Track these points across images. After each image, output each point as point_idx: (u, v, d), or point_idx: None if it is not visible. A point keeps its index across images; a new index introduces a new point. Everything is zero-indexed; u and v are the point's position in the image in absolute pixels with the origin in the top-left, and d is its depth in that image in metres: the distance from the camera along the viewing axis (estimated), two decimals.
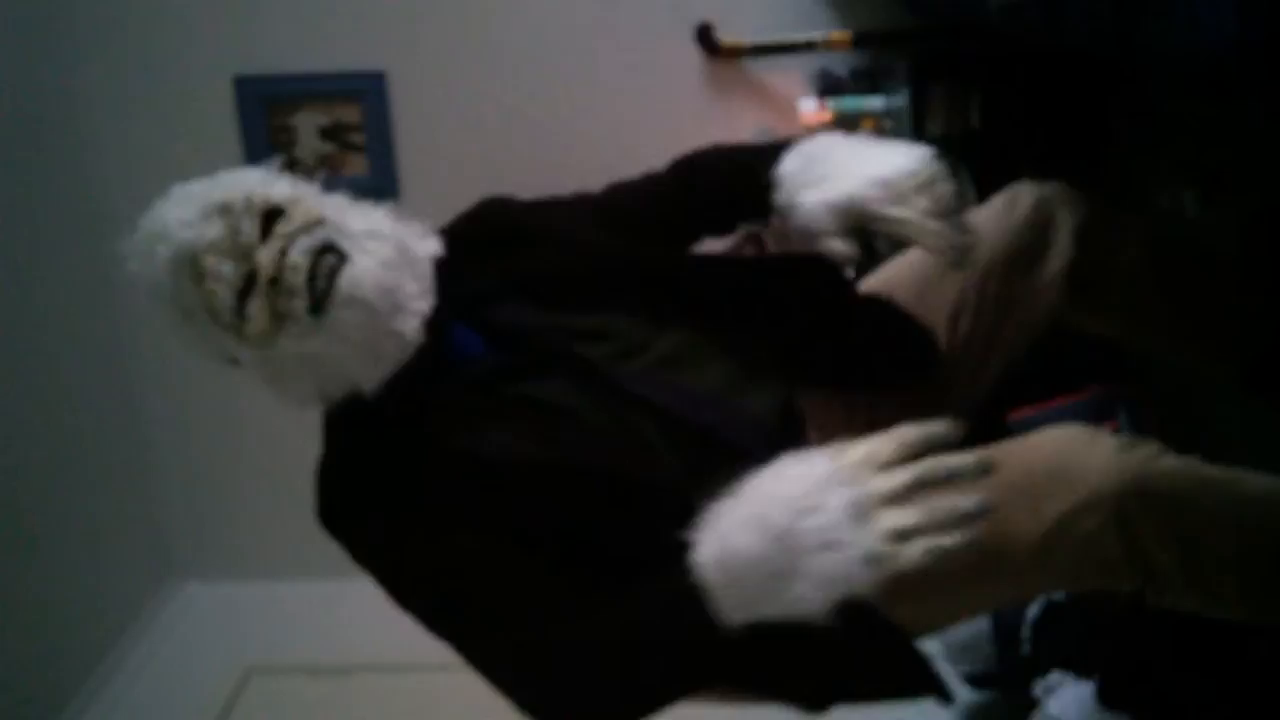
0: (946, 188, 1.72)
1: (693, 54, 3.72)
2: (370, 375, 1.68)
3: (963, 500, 1.34)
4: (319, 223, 1.67)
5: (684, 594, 1.42)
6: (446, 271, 1.80)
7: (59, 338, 3.63)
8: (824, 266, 1.93)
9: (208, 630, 4.09)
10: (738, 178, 1.94)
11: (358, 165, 3.86)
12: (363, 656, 3.71)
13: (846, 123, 3.48)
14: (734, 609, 1.40)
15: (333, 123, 3.83)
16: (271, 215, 1.67)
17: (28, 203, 3.57)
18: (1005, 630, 2.93)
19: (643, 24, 3.74)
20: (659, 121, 3.81)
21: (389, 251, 1.69)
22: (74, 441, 3.72)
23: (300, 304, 1.60)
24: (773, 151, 1.85)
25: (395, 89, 3.82)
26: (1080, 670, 2.79)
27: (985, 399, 2.13)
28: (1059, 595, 2.76)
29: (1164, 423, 2.88)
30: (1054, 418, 2.95)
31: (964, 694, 3.22)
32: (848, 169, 1.73)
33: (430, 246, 1.83)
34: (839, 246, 1.72)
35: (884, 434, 1.41)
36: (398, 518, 1.67)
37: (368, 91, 3.80)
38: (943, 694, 1.62)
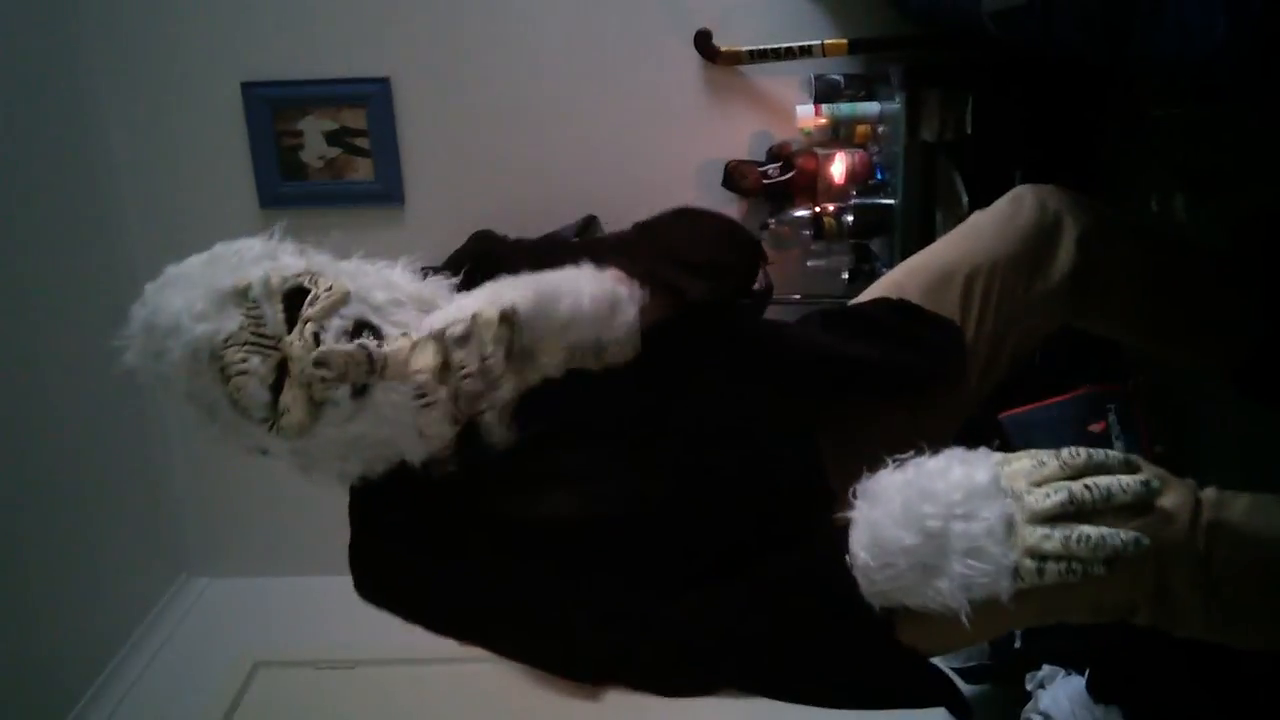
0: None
1: (691, 60, 3.75)
2: (416, 450, 1.56)
3: (1110, 535, 1.38)
4: (345, 300, 1.54)
5: (834, 570, 1.47)
6: None
7: (69, 342, 3.64)
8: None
9: (216, 625, 4.12)
10: None
11: (363, 170, 3.90)
12: (368, 651, 3.72)
13: (842, 127, 3.53)
14: (875, 593, 1.45)
15: (338, 127, 3.86)
16: (293, 296, 1.54)
17: (36, 206, 3.60)
18: None
19: (642, 31, 3.77)
20: (658, 126, 3.84)
21: (417, 321, 1.56)
22: (84, 439, 3.75)
23: (343, 390, 1.49)
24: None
25: (400, 94, 3.85)
26: (1071, 664, 2.81)
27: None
28: None
29: (1152, 422, 2.91)
30: (1044, 417, 2.97)
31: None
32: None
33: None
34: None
35: (1050, 451, 1.46)
36: (448, 576, 1.63)
37: (373, 96, 3.83)
38: (963, 709, 1.62)
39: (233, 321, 1.51)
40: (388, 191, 3.91)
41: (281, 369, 1.50)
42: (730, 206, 3.86)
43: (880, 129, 3.47)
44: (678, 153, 3.86)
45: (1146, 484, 1.43)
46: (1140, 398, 2.92)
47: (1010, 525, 1.39)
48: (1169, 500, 1.51)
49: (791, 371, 1.86)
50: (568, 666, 1.74)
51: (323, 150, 3.89)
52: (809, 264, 3.63)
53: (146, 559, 4.20)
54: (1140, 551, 1.39)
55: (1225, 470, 2.72)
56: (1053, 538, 1.38)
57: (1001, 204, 2.08)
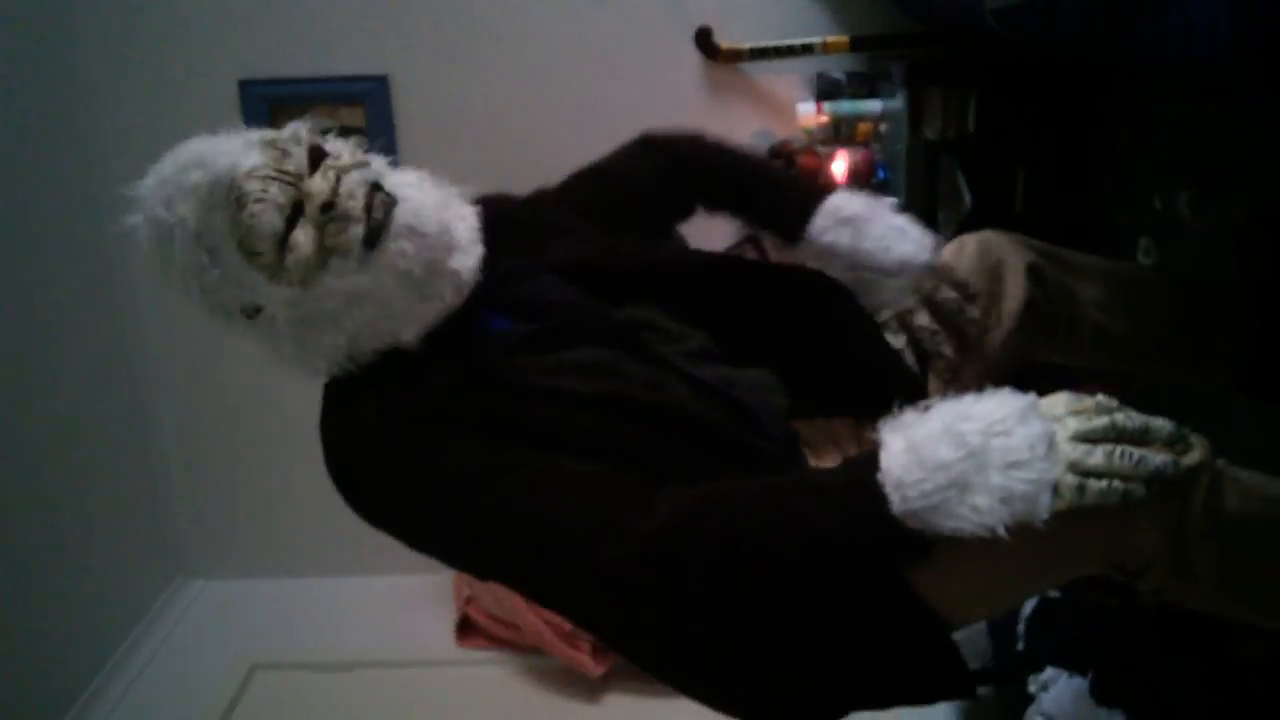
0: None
1: (692, 58, 3.74)
2: (414, 320, 1.56)
3: (1151, 455, 1.39)
4: (366, 163, 1.56)
5: (863, 487, 1.43)
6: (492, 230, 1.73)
7: (68, 341, 3.65)
8: (833, 286, 1.99)
9: (214, 627, 4.12)
10: (761, 201, 2.09)
11: None
12: (366, 652, 3.73)
13: (844, 125, 3.52)
14: (910, 509, 1.40)
15: (337, 126, 3.78)
16: (317, 152, 1.55)
17: (33, 206, 3.59)
18: (1000, 626, 2.94)
19: (643, 28, 3.76)
20: (659, 124, 3.78)
21: (436, 195, 1.63)
22: (82, 441, 3.74)
23: (355, 233, 1.48)
24: (795, 188, 2.07)
25: (398, 92, 3.84)
26: (1074, 666, 2.80)
27: None
28: (1053, 592, 2.77)
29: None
30: None
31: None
32: (901, 234, 1.93)
33: (469, 208, 1.72)
34: (898, 294, 1.91)
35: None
36: (474, 453, 1.51)
37: (371, 94, 3.82)
38: (970, 693, 1.60)
39: (259, 157, 1.52)
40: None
41: (297, 210, 1.49)
42: None
43: (882, 127, 3.45)
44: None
45: (1179, 426, 1.46)
46: (1142, 396, 2.90)
47: (1052, 442, 1.38)
48: (1192, 456, 1.49)
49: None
50: (594, 555, 1.48)
51: None
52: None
53: (143, 561, 4.19)
54: (1179, 474, 1.41)
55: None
56: (1095, 453, 1.38)
57: (945, 251, 2.06)
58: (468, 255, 1.62)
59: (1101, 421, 1.41)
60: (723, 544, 1.45)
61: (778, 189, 2.09)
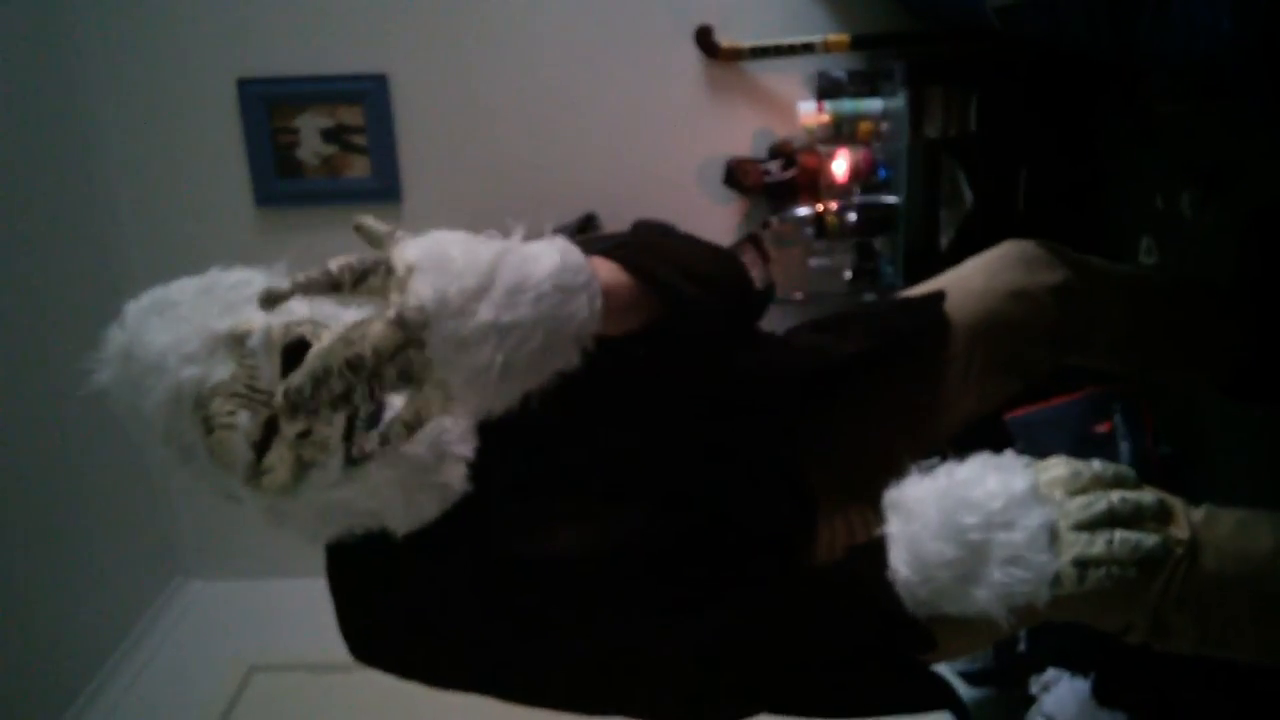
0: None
1: (692, 56, 3.73)
2: (404, 523, 1.47)
3: (1145, 538, 1.41)
4: None
5: (876, 588, 1.46)
6: None
7: (65, 341, 3.61)
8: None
9: (211, 627, 4.10)
10: None
11: (360, 167, 3.87)
12: None
13: (845, 124, 3.51)
14: (918, 604, 1.44)
15: (335, 125, 3.84)
16: (293, 350, 1.40)
17: (33, 204, 3.58)
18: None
19: (643, 27, 3.75)
20: (659, 123, 3.82)
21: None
22: (79, 442, 3.72)
23: (334, 460, 1.39)
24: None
25: (397, 91, 3.83)
26: (1076, 668, 2.80)
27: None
28: None
29: (1157, 423, 2.89)
30: (1049, 417, 2.96)
31: (961, 691, 3.24)
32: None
33: None
34: None
35: (1080, 461, 1.48)
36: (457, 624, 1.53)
37: (370, 93, 3.81)
38: (963, 713, 1.63)
39: (224, 369, 1.40)
40: (385, 189, 3.89)
41: (269, 426, 1.39)
42: (731, 204, 3.86)
43: (883, 126, 3.45)
44: (678, 150, 3.84)
45: (1162, 500, 1.48)
46: (1145, 398, 2.91)
47: (1053, 533, 1.39)
48: (1179, 531, 1.51)
49: (774, 389, 1.83)
50: (586, 703, 1.58)
51: (319, 147, 3.86)
52: (811, 263, 3.62)
53: (141, 561, 4.18)
54: (1164, 554, 1.43)
55: (1230, 470, 2.72)
56: (1096, 543, 1.39)
57: (989, 258, 2.04)
58: (456, 463, 1.48)
59: (1101, 508, 1.41)
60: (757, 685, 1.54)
61: None
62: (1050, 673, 2.86)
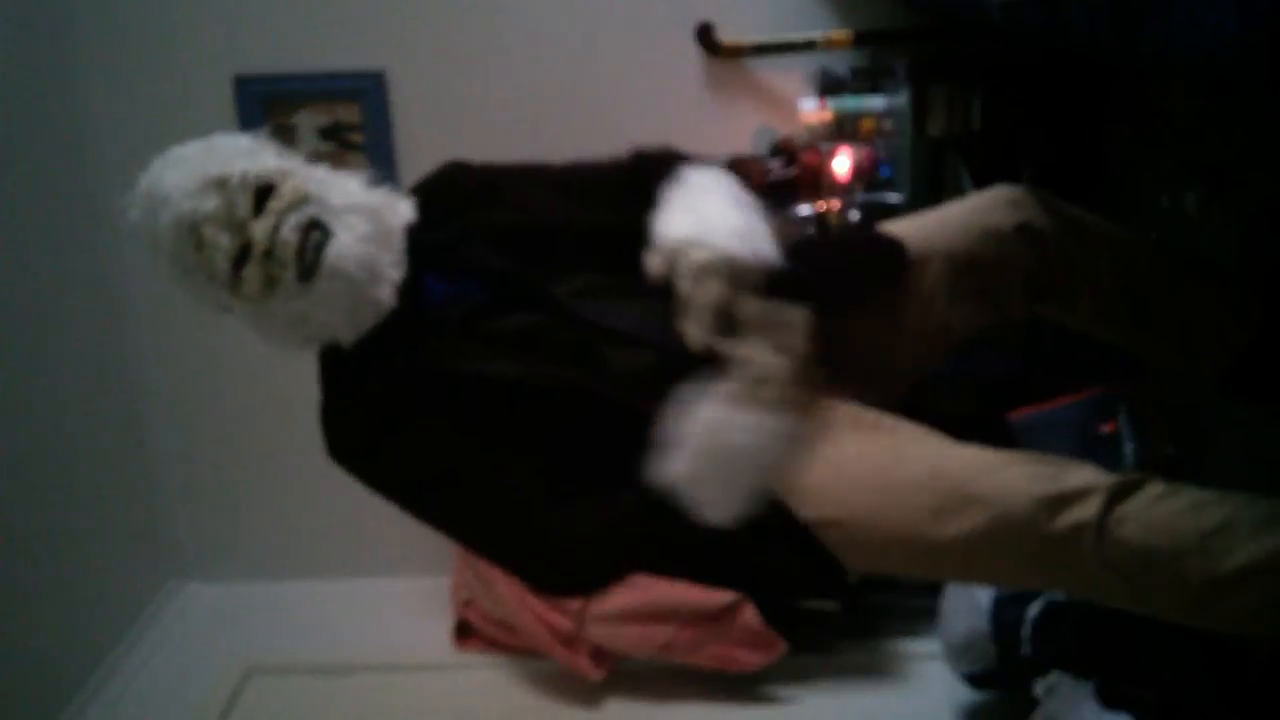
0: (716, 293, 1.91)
1: (693, 53, 3.72)
2: (349, 333, 1.92)
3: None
4: (305, 199, 1.87)
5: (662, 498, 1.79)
6: (418, 227, 2.04)
7: (62, 341, 3.63)
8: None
9: (208, 630, 4.09)
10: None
11: (357, 164, 3.76)
12: (361, 656, 3.72)
13: (847, 122, 3.50)
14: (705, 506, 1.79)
15: (332, 122, 3.84)
16: (263, 191, 1.86)
17: (28, 202, 3.57)
18: (1005, 630, 2.93)
19: (643, 23, 3.74)
20: (659, 120, 3.80)
21: (367, 226, 1.90)
22: (77, 443, 3.72)
23: (290, 273, 1.83)
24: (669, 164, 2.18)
25: (394, 88, 3.83)
26: (1079, 670, 2.79)
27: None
28: (1059, 596, 2.76)
29: (1162, 423, 2.89)
30: (1054, 418, 2.96)
31: (964, 696, 3.24)
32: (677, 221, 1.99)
33: (403, 213, 2.04)
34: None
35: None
36: (400, 441, 1.92)
37: (367, 91, 3.80)
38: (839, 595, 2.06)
39: (212, 202, 1.84)
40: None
41: (245, 248, 1.84)
42: None
43: (886, 124, 3.45)
44: (679, 147, 3.83)
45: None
46: (1151, 399, 2.91)
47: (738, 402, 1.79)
48: (1080, 477, 1.76)
49: None
50: (517, 538, 1.95)
51: (316, 145, 3.85)
52: None
53: (138, 563, 4.17)
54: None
55: (1234, 470, 2.71)
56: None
57: (977, 197, 2.21)
58: (387, 284, 1.92)
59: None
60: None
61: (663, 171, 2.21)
62: (1054, 675, 2.85)
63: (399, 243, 1.97)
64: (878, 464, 1.86)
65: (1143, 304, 2.14)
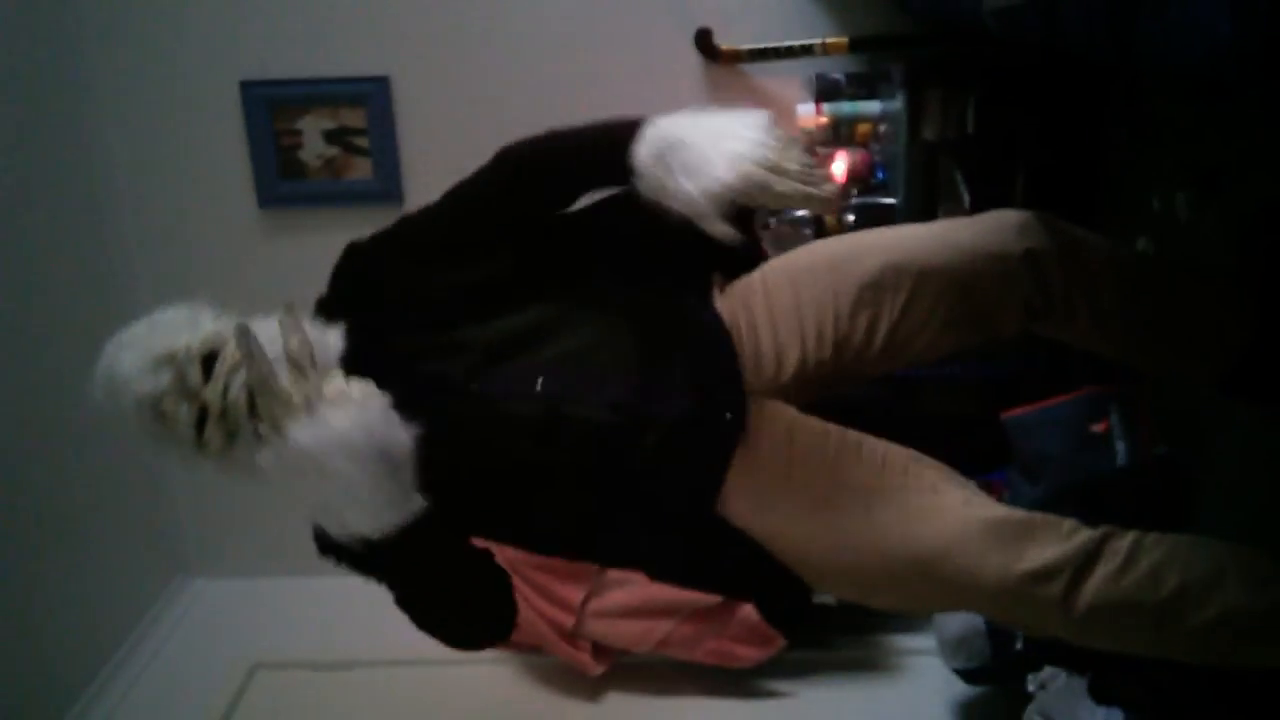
0: (795, 147, 1.87)
1: (692, 59, 3.75)
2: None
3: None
4: (250, 358, 1.91)
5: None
6: (348, 334, 2.15)
7: (68, 341, 3.60)
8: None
9: (215, 626, 4.12)
10: (590, 171, 2.16)
11: (362, 169, 3.89)
12: (366, 652, 3.73)
13: (843, 126, 3.53)
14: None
15: (338, 126, 3.86)
16: (209, 358, 2.01)
17: (34, 205, 3.59)
18: (999, 626, 2.95)
19: (643, 29, 3.76)
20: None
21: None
22: (82, 439, 3.70)
23: (248, 427, 1.95)
24: (617, 138, 2.04)
25: (399, 93, 3.85)
26: (1072, 666, 2.81)
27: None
28: None
29: (1154, 423, 2.90)
30: (1046, 418, 2.97)
31: (959, 689, 3.27)
32: (710, 154, 1.86)
33: (335, 344, 2.12)
34: (722, 230, 1.85)
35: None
36: None
37: (372, 95, 3.82)
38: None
39: (165, 378, 2.00)
40: (387, 191, 3.91)
41: (202, 412, 1.99)
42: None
43: (882, 128, 3.47)
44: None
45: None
46: (1142, 398, 2.92)
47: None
48: (1044, 553, 1.91)
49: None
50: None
51: (322, 149, 3.88)
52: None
53: (144, 559, 4.20)
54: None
55: (1226, 470, 2.73)
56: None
57: (983, 218, 2.19)
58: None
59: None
60: None
61: (595, 140, 2.15)
62: (1047, 671, 2.86)
63: (336, 364, 2.05)
64: (848, 527, 1.98)
65: (1140, 320, 2.15)
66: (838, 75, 3.62)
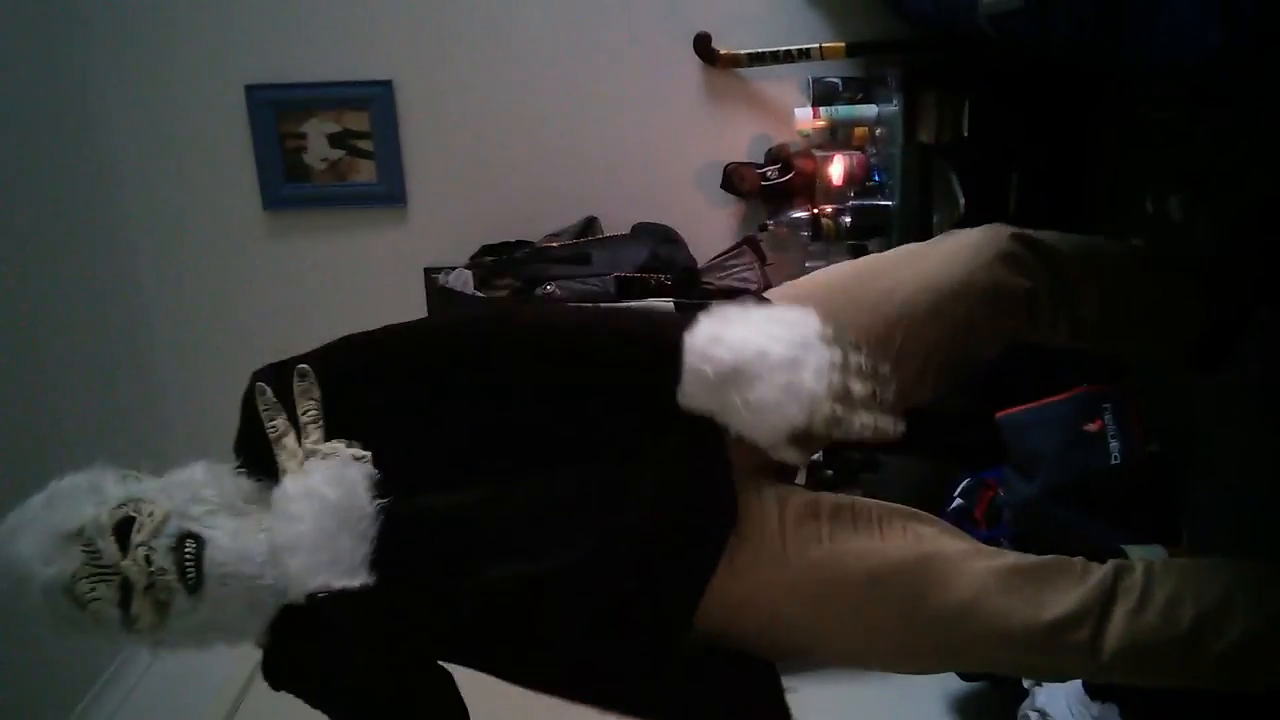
0: (854, 354, 1.72)
1: (691, 64, 3.79)
2: (258, 624, 1.80)
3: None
4: (165, 519, 1.77)
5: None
6: None
7: (76, 341, 3.67)
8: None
9: None
10: (636, 379, 1.77)
11: (366, 171, 3.92)
12: None
13: (840, 130, 3.56)
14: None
15: (342, 130, 3.89)
16: (123, 526, 1.77)
17: (41, 209, 3.60)
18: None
19: (642, 34, 3.79)
20: (658, 129, 3.87)
21: (234, 523, 1.80)
22: (86, 439, 3.71)
23: (180, 595, 1.73)
24: (654, 356, 1.74)
25: (403, 97, 3.88)
26: None
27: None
28: None
29: (1147, 422, 2.91)
30: (1040, 417, 2.98)
31: (955, 685, 3.29)
32: (781, 397, 1.66)
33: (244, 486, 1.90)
34: (793, 456, 1.73)
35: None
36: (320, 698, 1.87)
37: (375, 99, 3.86)
38: None
39: (75, 559, 1.75)
40: (390, 193, 3.94)
41: (125, 588, 1.74)
42: (730, 208, 3.90)
43: (878, 131, 3.50)
44: (677, 155, 3.88)
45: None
46: (1136, 397, 2.93)
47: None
48: (1064, 601, 1.82)
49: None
50: None
51: (326, 152, 3.91)
52: (807, 265, 3.64)
53: None
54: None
55: (1219, 469, 2.75)
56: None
57: (966, 254, 2.00)
58: (277, 565, 1.77)
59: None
60: None
61: (621, 354, 1.79)
62: None
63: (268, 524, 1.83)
64: (857, 602, 1.83)
65: (1120, 318, 2.11)
66: (834, 79, 3.65)
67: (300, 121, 3.89)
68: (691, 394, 1.69)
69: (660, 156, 3.89)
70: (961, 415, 3.15)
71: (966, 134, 3.19)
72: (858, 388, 1.68)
